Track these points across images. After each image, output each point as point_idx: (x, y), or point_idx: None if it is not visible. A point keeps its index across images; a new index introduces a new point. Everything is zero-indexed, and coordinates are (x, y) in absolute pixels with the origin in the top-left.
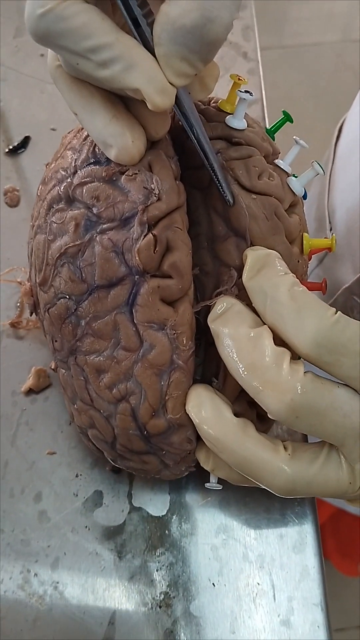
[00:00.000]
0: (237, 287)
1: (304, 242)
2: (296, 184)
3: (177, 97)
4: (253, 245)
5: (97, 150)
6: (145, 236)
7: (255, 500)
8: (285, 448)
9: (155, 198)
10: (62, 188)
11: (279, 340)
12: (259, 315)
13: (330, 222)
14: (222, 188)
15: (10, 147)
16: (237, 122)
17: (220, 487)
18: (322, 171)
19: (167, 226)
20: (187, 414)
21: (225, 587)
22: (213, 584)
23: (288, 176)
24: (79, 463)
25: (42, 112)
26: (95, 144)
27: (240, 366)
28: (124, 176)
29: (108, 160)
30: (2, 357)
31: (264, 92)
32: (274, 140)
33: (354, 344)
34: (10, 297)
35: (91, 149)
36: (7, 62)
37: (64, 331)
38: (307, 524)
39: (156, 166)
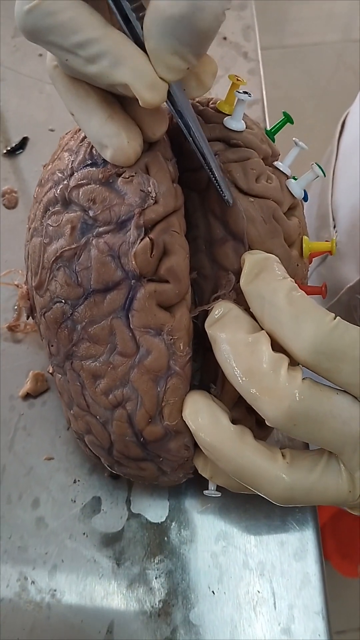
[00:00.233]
0: (235, 292)
1: (304, 245)
2: (295, 187)
3: (171, 95)
4: (251, 249)
5: (94, 151)
6: (141, 240)
7: (256, 507)
8: (283, 456)
9: (152, 201)
10: (58, 190)
11: (277, 346)
12: (257, 321)
13: (333, 220)
14: (220, 188)
15: (9, 148)
16: (235, 123)
17: (219, 494)
18: (322, 173)
19: (164, 230)
20: (184, 421)
21: (225, 595)
22: (213, 591)
23: (287, 178)
24: (77, 469)
25: (40, 113)
26: (92, 146)
27: (238, 372)
28: (120, 178)
29: (105, 162)
30: None
31: (264, 92)
32: (274, 141)
33: (353, 349)
34: (8, 300)
35: (88, 150)
36: (5, 62)
37: (59, 336)
38: (308, 530)
39: (153, 168)
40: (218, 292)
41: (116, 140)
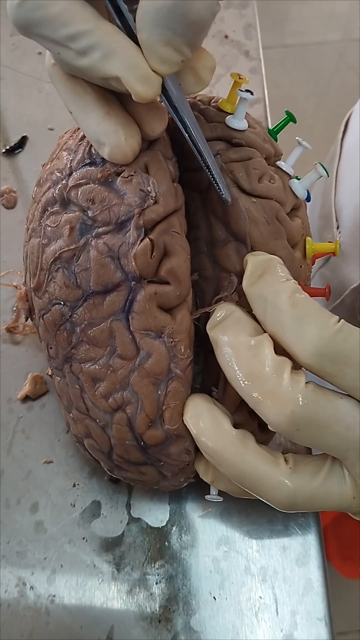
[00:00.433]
0: (237, 294)
1: (307, 246)
2: (299, 187)
3: (166, 90)
4: (254, 250)
5: (93, 150)
6: (141, 241)
7: (258, 511)
8: (286, 461)
9: (151, 201)
10: (57, 190)
11: (279, 349)
12: (259, 323)
13: (337, 220)
14: (218, 186)
15: (7, 148)
16: (237, 122)
17: (220, 499)
18: (325, 173)
19: (165, 230)
20: (185, 425)
21: (227, 601)
22: (214, 597)
23: (290, 178)
24: (76, 472)
25: (39, 112)
26: (91, 145)
27: (240, 376)
28: (119, 178)
29: (104, 161)
30: None
31: (266, 92)
32: (276, 141)
33: (357, 353)
34: (7, 301)
35: (87, 149)
36: (4, 61)
37: (58, 338)
38: (311, 535)
39: (153, 168)
40: (220, 294)
41: (113, 137)
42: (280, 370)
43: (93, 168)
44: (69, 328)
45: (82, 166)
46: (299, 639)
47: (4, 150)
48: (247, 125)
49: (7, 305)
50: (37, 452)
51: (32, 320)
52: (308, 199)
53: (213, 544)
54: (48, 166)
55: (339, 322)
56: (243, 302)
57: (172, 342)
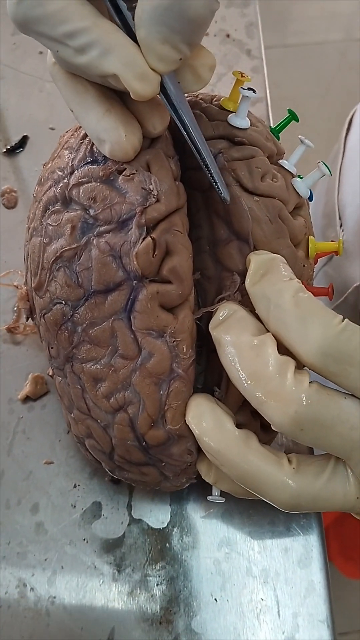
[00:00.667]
0: (240, 293)
1: (310, 245)
2: (301, 185)
3: (165, 88)
4: (256, 249)
5: (94, 149)
6: (143, 239)
7: (259, 512)
8: (289, 461)
9: (153, 199)
10: (58, 189)
11: (283, 349)
12: (262, 323)
13: (340, 219)
14: (217, 185)
15: (8, 147)
16: (239, 120)
17: (223, 500)
18: (328, 172)
19: (167, 229)
20: (188, 425)
21: (228, 603)
22: (215, 599)
23: (293, 177)
24: (77, 473)
25: (40, 111)
26: (92, 143)
27: (243, 375)
28: (121, 176)
29: (105, 159)
30: None
31: (268, 91)
32: (278, 139)
33: None
34: (7, 301)
35: (88, 147)
36: (5, 60)
37: (59, 338)
38: (313, 537)
39: (155, 166)
40: (222, 294)
41: (114, 134)
42: (283, 370)
43: (95, 166)
44: (70, 328)
45: (83, 164)
46: None
47: (4, 150)
48: (249, 124)
49: (8, 305)
50: (38, 452)
51: (33, 320)
52: (310, 197)
53: (214, 545)
54: (49, 165)
55: (342, 321)
56: (246, 302)
57: (174, 341)
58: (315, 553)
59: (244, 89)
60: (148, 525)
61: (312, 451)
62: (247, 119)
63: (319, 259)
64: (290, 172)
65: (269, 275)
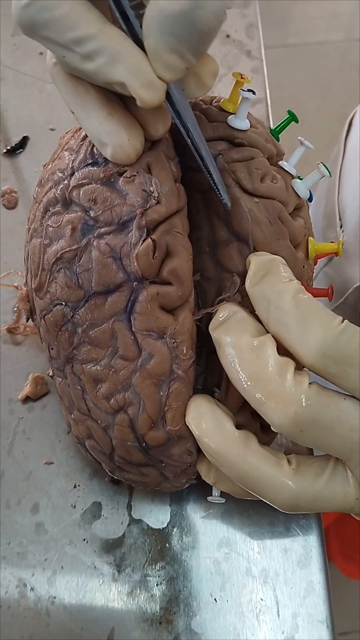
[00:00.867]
0: (240, 294)
1: (310, 246)
2: (301, 187)
3: (169, 94)
4: (256, 251)
5: (95, 150)
6: (143, 241)
7: (259, 513)
8: (289, 462)
9: (154, 201)
10: (58, 190)
11: (283, 350)
12: (262, 324)
13: (340, 219)
14: (218, 191)
15: (8, 148)
16: (239, 122)
17: (223, 500)
18: (328, 173)
19: (167, 231)
20: (187, 426)
21: (228, 603)
22: (215, 599)
23: (292, 178)
24: (77, 473)
25: (40, 112)
26: (93, 145)
27: (243, 376)
28: (122, 178)
29: (106, 161)
30: None
31: (268, 91)
32: (278, 140)
33: None
34: (8, 302)
35: (89, 149)
36: (5, 61)
37: (60, 339)
38: (313, 537)
39: (155, 168)
40: (222, 295)
41: (116, 137)
42: (283, 371)
43: (95, 168)
44: (71, 329)
45: (84, 166)
46: None
47: (4, 151)
48: (249, 125)
49: (8, 305)
50: (38, 453)
51: (33, 320)
52: (310, 198)
53: (214, 545)
54: (49, 166)
55: (342, 322)
56: (246, 303)
57: (174, 342)
58: (315, 553)
59: (243, 90)
60: (148, 525)
61: (311, 452)
62: (247, 120)
63: (318, 260)
64: (290, 174)
65: (268, 276)
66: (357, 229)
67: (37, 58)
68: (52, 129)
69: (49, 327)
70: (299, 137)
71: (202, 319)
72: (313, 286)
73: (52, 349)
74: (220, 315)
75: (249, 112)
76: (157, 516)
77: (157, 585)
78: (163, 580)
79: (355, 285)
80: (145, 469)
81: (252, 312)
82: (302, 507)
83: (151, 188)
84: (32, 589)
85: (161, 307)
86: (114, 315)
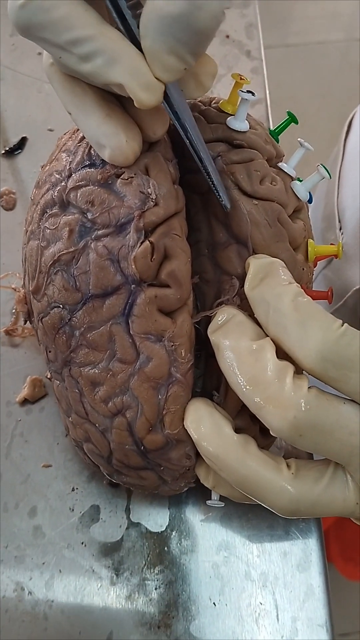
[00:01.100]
0: (239, 297)
1: (309, 248)
2: (301, 189)
3: (167, 95)
4: (255, 253)
5: (92, 152)
6: (141, 243)
7: (258, 516)
8: (288, 466)
9: (152, 203)
10: (56, 192)
11: (282, 354)
12: (261, 327)
13: (339, 221)
14: (218, 193)
15: (7, 149)
16: (238, 123)
17: (222, 504)
18: (328, 175)
19: (165, 233)
20: (186, 429)
21: (227, 607)
22: (214, 603)
23: (292, 180)
24: (75, 476)
25: (39, 113)
26: (90, 146)
27: (241, 380)
28: (119, 180)
29: (104, 162)
30: None
31: (267, 92)
32: (278, 142)
33: None
34: (6, 304)
35: (86, 151)
36: (3, 61)
37: (57, 342)
38: (312, 540)
39: (153, 169)
40: (221, 298)
41: (114, 139)
42: (282, 375)
43: (92, 170)
44: (68, 331)
45: (81, 168)
46: None
47: (3, 152)
48: (248, 127)
49: (6, 307)
50: (36, 455)
51: (30, 323)
52: (310, 200)
53: (213, 549)
54: (47, 168)
55: (342, 325)
56: (245, 306)
57: (172, 345)
58: (315, 557)
59: (242, 91)
60: (146, 528)
61: (311, 456)
62: (246, 121)
63: (318, 262)
64: (289, 175)
65: (268, 279)
66: (356, 230)
67: (35, 58)
68: (51, 130)
69: (46, 329)
70: (299, 139)
71: (201, 322)
72: (312, 288)
73: (49, 351)
74: (219, 318)
75: (248, 113)
76: (155, 519)
77: (155, 589)
78: (162, 584)
79: (354, 288)
80: (143, 472)
81: (251, 315)
82: (302, 512)
83: (149, 190)
84: (29, 592)
85: (159, 310)
86: (112, 318)
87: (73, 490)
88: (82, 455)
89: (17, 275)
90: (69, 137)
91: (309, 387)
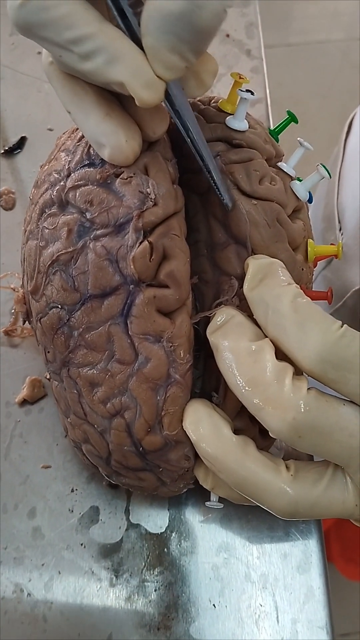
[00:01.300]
0: (238, 298)
1: (309, 248)
2: (300, 188)
3: (169, 94)
4: (254, 254)
5: (91, 151)
6: (140, 243)
7: (258, 518)
8: (287, 468)
9: (151, 203)
10: (54, 192)
11: (281, 355)
12: (260, 328)
13: (339, 222)
14: (219, 191)
15: (6, 148)
16: (237, 123)
17: (221, 505)
18: (327, 175)
19: (164, 233)
20: (185, 431)
21: (227, 609)
22: (214, 605)
23: (292, 180)
24: (74, 477)
25: (39, 112)
26: (89, 146)
27: (240, 381)
28: (118, 179)
29: (103, 161)
30: None
31: (268, 91)
32: (278, 141)
33: None
34: (5, 303)
35: (85, 150)
36: (3, 60)
37: (56, 342)
38: (312, 542)
39: (152, 169)
40: (220, 298)
41: (114, 138)
42: (281, 376)
43: (92, 169)
44: (67, 332)
45: (80, 167)
46: None
47: (2, 151)
48: (247, 126)
49: (6, 307)
50: (35, 456)
51: (29, 323)
52: (310, 200)
53: (213, 550)
54: (46, 167)
55: (341, 327)
56: (244, 306)
57: (171, 346)
58: (315, 558)
59: (242, 90)
60: (146, 530)
61: (311, 457)
62: (246, 121)
63: (318, 263)
64: (289, 175)
65: (267, 279)
66: (356, 231)
67: (35, 57)
68: (50, 129)
69: (45, 330)
70: (298, 138)
71: (200, 322)
72: (312, 289)
73: (48, 352)
74: (218, 319)
75: (248, 113)
76: (155, 521)
77: (155, 590)
78: (161, 585)
79: (354, 289)
80: (142, 473)
81: (250, 315)
82: (301, 514)
83: (148, 190)
84: (29, 594)
85: (158, 311)
86: (111, 319)
87: (72, 491)
88: (81, 456)
89: (17, 275)
90: (68, 137)
91: (308, 389)
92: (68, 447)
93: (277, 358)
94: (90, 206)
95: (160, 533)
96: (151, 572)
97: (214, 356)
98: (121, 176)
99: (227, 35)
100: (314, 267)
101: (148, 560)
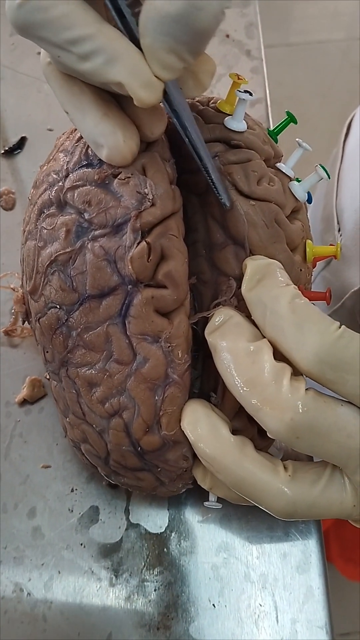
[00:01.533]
0: (236, 298)
1: (307, 249)
2: (299, 189)
3: (167, 94)
4: (252, 254)
5: (89, 152)
6: (138, 244)
7: (258, 517)
8: (285, 468)
9: (149, 203)
10: (53, 192)
11: (279, 355)
12: (258, 329)
13: (338, 223)
14: (217, 191)
15: (6, 148)
16: (236, 123)
17: (219, 506)
18: (326, 176)
19: (162, 233)
20: (183, 431)
21: (226, 609)
22: (213, 604)
23: (290, 180)
24: (74, 477)
25: (39, 112)
26: (88, 146)
27: (238, 382)
28: (116, 180)
29: (101, 162)
30: None
31: (267, 91)
32: (276, 142)
33: (358, 360)
34: (5, 303)
35: (84, 150)
36: (3, 61)
37: (54, 342)
38: (312, 542)
39: (150, 169)
40: (218, 299)
41: (112, 138)
42: (279, 376)
43: (90, 170)
44: (65, 332)
45: (78, 168)
46: None
47: (2, 151)
48: (246, 127)
49: (6, 307)
50: (35, 456)
51: (29, 323)
52: (309, 200)
53: (212, 550)
54: (44, 168)
55: (339, 328)
56: (242, 307)
57: (169, 346)
58: (314, 558)
59: (240, 91)
60: (146, 529)
61: (311, 457)
62: (244, 121)
63: (317, 263)
64: (287, 176)
65: (265, 280)
66: (355, 232)
67: (35, 57)
68: (50, 130)
69: (43, 330)
70: (297, 139)
71: (199, 323)
72: (311, 289)
73: (47, 352)
74: (216, 320)
75: (247, 113)
76: (155, 520)
77: (154, 590)
78: (161, 585)
79: (353, 290)
80: (140, 473)
81: (248, 316)
82: (299, 514)
83: (146, 190)
84: (28, 594)
85: (156, 311)
86: (109, 319)
87: (72, 491)
88: (80, 456)
89: (17, 275)
90: (67, 137)
91: (306, 389)
92: (68, 447)
93: (275, 359)
94: (88, 206)
95: (160, 533)
96: (151, 571)
97: (212, 356)
98: (119, 176)
99: (227, 36)
100: (313, 267)
101: (148, 560)
